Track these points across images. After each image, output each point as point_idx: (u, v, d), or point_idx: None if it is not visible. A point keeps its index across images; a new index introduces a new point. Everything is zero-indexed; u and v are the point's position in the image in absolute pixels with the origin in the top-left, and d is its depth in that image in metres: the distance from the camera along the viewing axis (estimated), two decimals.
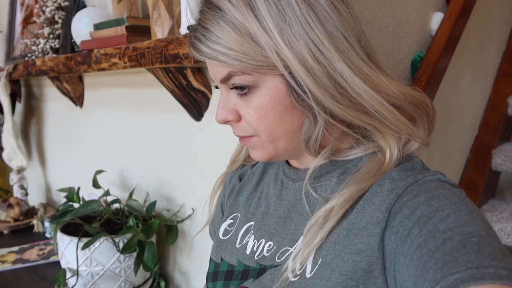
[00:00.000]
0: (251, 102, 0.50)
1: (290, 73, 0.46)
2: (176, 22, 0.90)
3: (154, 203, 1.10)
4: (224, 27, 0.46)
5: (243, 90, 0.49)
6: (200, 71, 0.96)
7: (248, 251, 0.57)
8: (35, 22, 1.41)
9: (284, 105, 0.49)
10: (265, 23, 0.45)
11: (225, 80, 0.50)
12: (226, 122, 0.53)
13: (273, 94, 0.48)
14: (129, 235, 1.00)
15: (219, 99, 0.53)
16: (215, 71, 0.51)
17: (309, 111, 0.49)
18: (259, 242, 0.56)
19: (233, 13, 0.46)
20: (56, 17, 1.29)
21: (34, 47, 1.34)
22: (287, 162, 0.60)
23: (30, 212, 1.58)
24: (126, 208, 1.09)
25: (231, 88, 0.51)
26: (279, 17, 0.45)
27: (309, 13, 0.46)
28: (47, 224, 1.43)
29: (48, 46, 1.29)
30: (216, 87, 0.54)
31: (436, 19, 1.10)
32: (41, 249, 1.31)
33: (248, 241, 0.58)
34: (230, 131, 0.95)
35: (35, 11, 1.36)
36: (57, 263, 1.20)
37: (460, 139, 1.43)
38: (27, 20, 1.55)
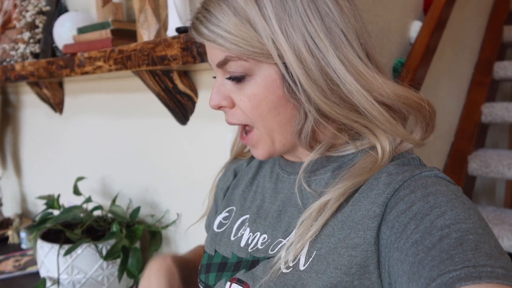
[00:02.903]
0: (245, 90, 0.50)
1: (284, 63, 0.47)
2: (163, 26, 0.90)
3: (138, 208, 1.08)
4: (226, 10, 0.47)
5: (238, 81, 0.50)
6: (186, 74, 0.96)
7: (242, 243, 0.56)
8: (14, 27, 1.38)
9: (278, 96, 0.49)
10: (265, 10, 0.46)
11: (221, 64, 0.50)
12: (219, 107, 0.53)
13: (267, 84, 0.49)
14: (112, 241, 0.98)
15: (214, 84, 0.53)
16: (213, 55, 0.51)
17: (301, 106, 0.49)
18: (254, 235, 0.56)
19: None
20: (37, 22, 1.27)
21: (13, 52, 1.30)
22: (283, 156, 0.60)
23: (5, 223, 1.53)
24: (109, 214, 1.07)
25: (227, 78, 0.51)
26: (280, 6, 0.46)
27: (310, 6, 0.47)
28: (23, 235, 1.38)
29: (28, 51, 1.26)
30: (215, 77, 0.54)
31: (415, 27, 1.15)
32: (17, 260, 1.26)
33: (243, 234, 0.57)
34: (216, 135, 0.96)
35: (15, 15, 1.33)
36: (34, 274, 1.15)
37: (438, 145, 1.47)
38: (4, 26, 1.52)
